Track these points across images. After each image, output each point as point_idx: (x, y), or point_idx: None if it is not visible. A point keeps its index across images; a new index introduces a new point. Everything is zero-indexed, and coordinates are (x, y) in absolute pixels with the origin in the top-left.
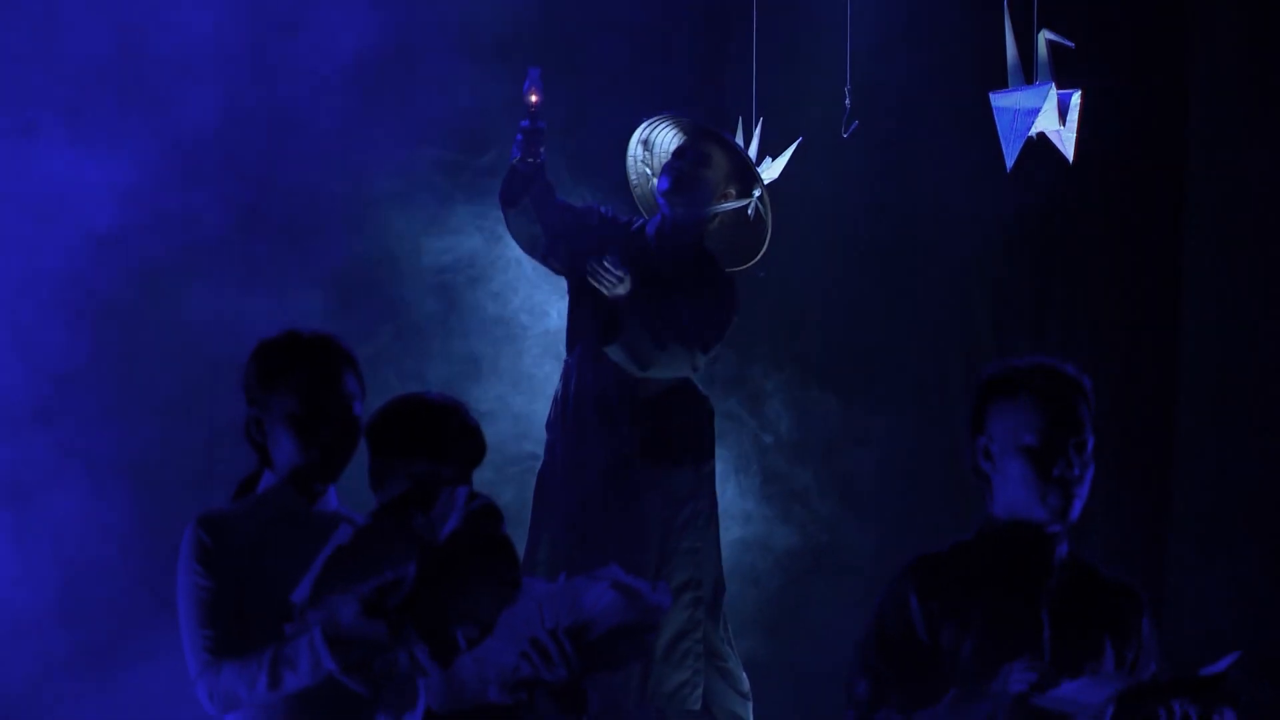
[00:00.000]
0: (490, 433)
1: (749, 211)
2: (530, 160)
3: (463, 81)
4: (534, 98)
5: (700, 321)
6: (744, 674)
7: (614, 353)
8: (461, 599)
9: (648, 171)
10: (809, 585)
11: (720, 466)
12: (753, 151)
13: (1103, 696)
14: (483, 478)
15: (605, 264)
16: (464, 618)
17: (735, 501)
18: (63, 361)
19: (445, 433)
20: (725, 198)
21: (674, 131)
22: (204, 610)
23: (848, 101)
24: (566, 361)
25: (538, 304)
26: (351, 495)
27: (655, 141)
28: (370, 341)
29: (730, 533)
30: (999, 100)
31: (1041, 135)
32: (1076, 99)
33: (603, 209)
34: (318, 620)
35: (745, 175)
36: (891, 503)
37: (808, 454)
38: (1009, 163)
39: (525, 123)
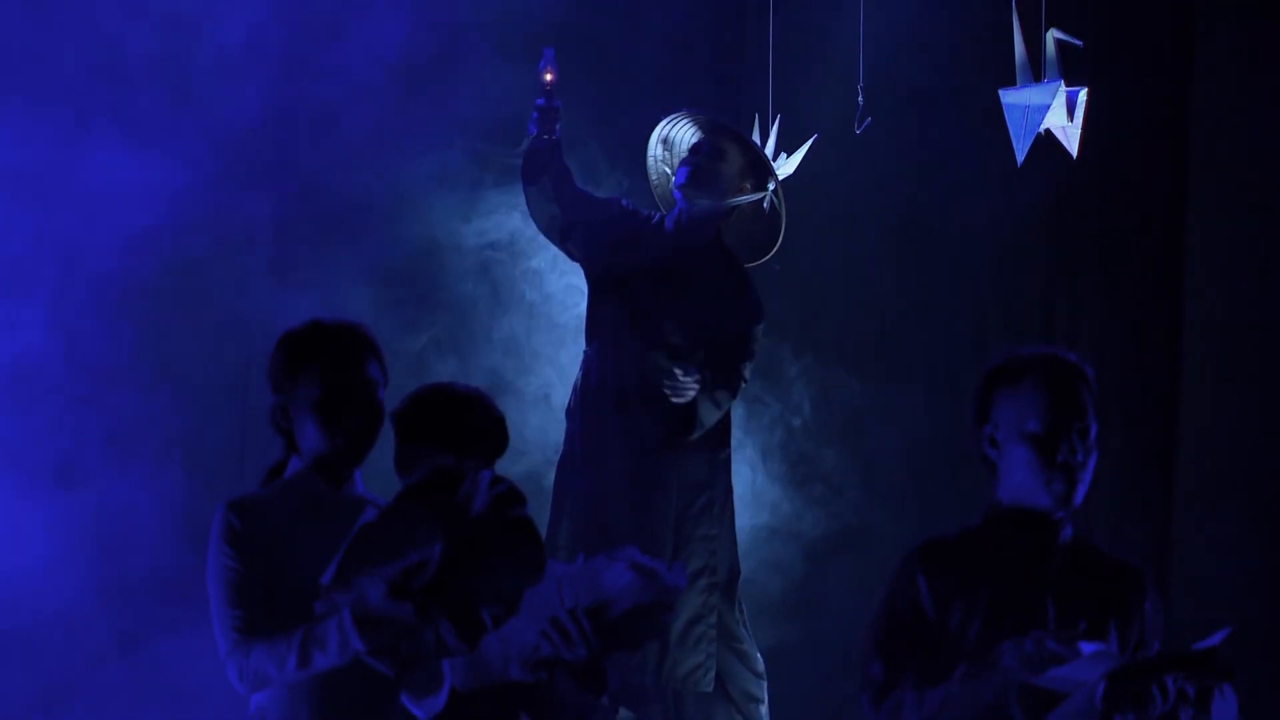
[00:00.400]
0: (538, 420)
1: (764, 205)
2: (545, 136)
3: (496, 80)
4: (549, 76)
5: (728, 317)
6: (759, 655)
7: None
8: (487, 579)
9: (666, 170)
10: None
11: (749, 450)
12: (770, 148)
13: (1097, 674)
14: (531, 463)
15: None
16: (489, 598)
17: (765, 484)
18: (107, 353)
19: (470, 424)
20: (741, 192)
21: (692, 129)
22: (233, 591)
23: (860, 99)
24: (586, 352)
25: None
26: (377, 480)
27: (674, 140)
28: (421, 332)
29: (759, 515)
30: (1008, 97)
31: (1048, 131)
32: (1083, 96)
33: (624, 201)
34: (346, 602)
35: (760, 170)
36: (914, 485)
37: (832, 434)
38: (1020, 157)
39: (541, 100)
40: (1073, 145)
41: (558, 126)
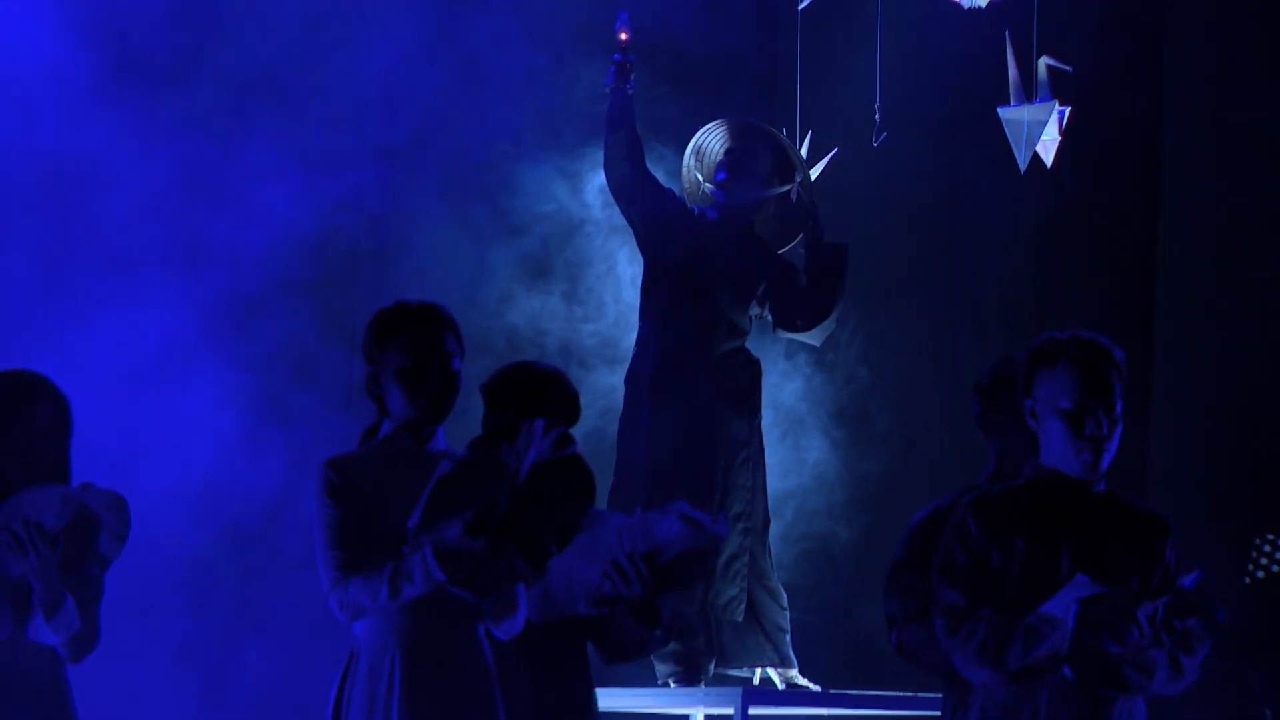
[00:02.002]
0: None
1: (791, 196)
2: (620, 87)
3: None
4: (623, 35)
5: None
6: (783, 590)
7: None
8: (547, 512)
9: (698, 177)
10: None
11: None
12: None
13: (1064, 612)
14: None
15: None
16: (551, 527)
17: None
18: (262, 344)
19: (550, 396)
20: (770, 187)
21: (723, 134)
22: (333, 535)
23: (878, 116)
24: (644, 328)
25: None
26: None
27: (706, 148)
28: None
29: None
30: (1007, 114)
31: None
32: (1065, 114)
33: (678, 193)
34: (428, 540)
35: (786, 170)
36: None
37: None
38: (1022, 166)
39: (617, 56)
40: (1050, 156)
41: (631, 79)
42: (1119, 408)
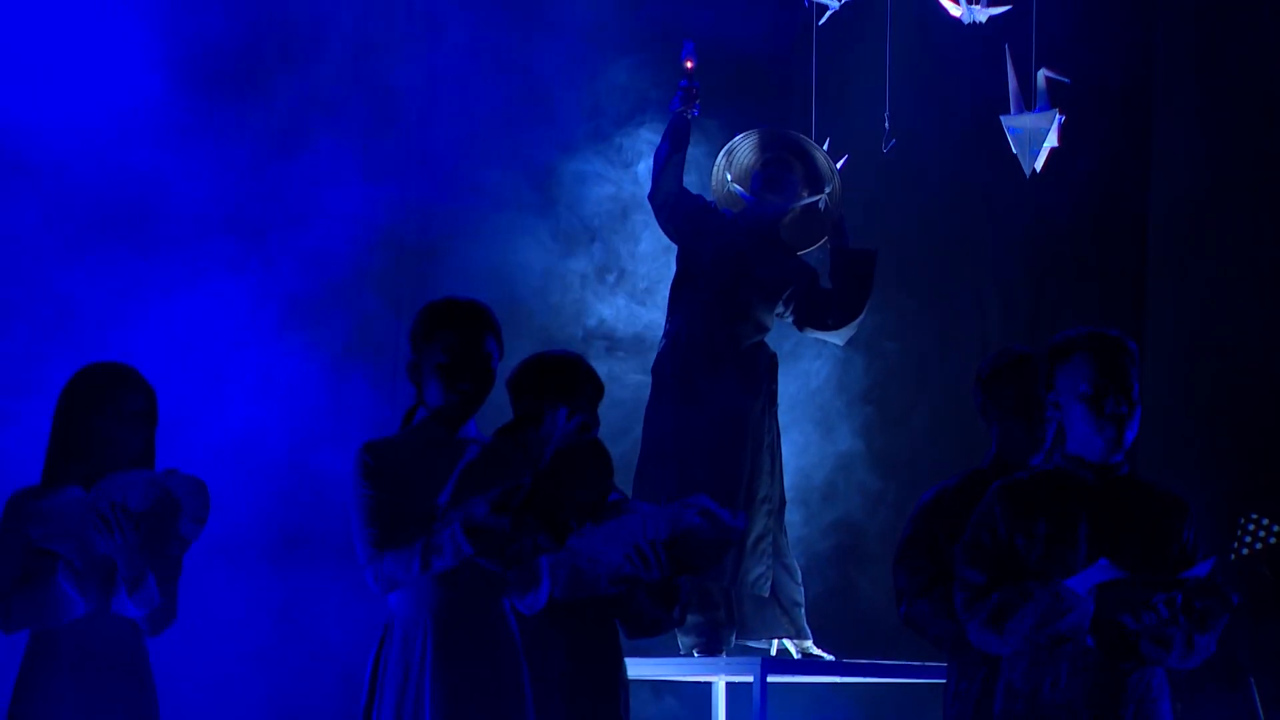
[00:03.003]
0: None
1: (820, 205)
2: (684, 110)
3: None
4: (689, 64)
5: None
6: (798, 567)
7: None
8: (569, 493)
9: (727, 177)
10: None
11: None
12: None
13: (1086, 590)
14: None
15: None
16: (572, 507)
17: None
18: (340, 334)
19: (571, 380)
20: (800, 197)
21: (757, 144)
22: (369, 514)
23: (887, 124)
24: (674, 321)
25: None
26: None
27: (738, 154)
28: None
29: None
30: (1009, 122)
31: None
32: (1061, 121)
33: (708, 198)
34: (457, 517)
35: (816, 181)
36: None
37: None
38: (1027, 170)
39: (684, 82)
40: (1040, 162)
41: (697, 104)
42: (1136, 390)
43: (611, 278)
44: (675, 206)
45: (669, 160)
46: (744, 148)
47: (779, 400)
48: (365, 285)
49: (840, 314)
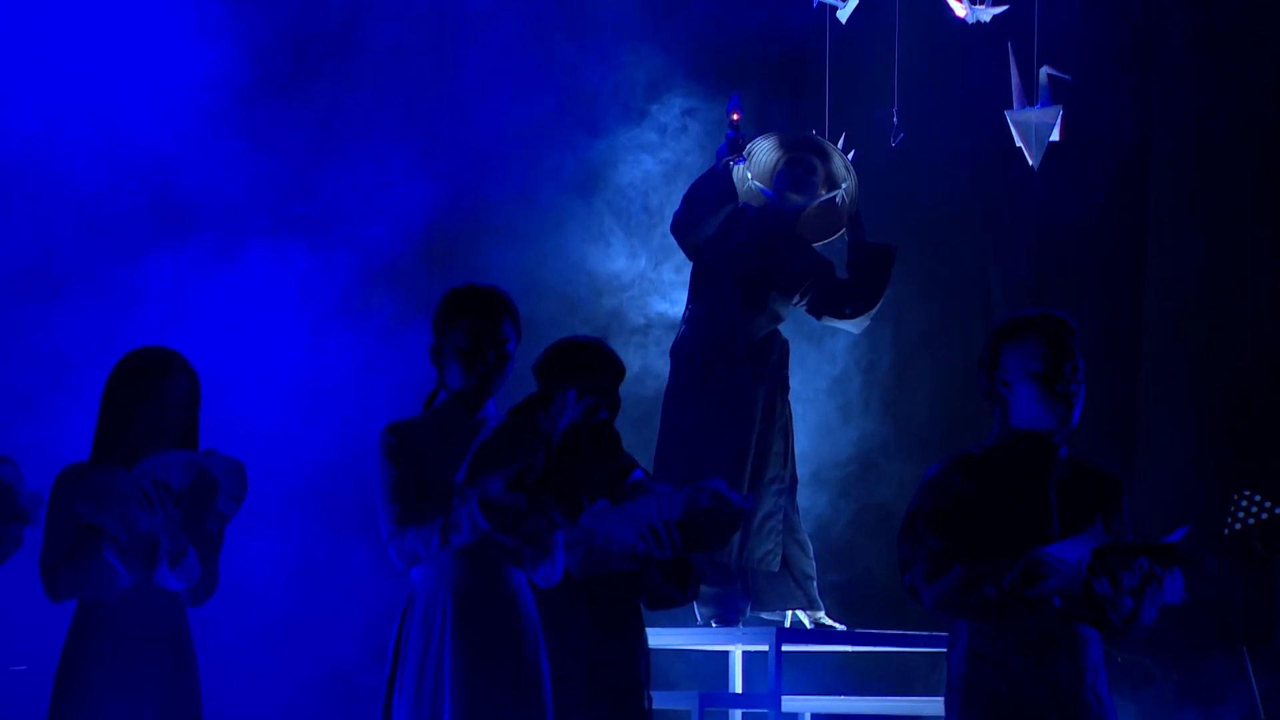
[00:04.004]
0: None
1: (837, 200)
2: (731, 159)
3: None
4: (735, 116)
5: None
6: (810, 542)
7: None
8: (580, 471)
9: (747, 175)
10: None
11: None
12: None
13: (1086, 550)
14: None
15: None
16: (584, 485)
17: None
18: (378, 319)
19: (594, 364)
20: (819, 193)
21: (776, 145)
22: (392, 491)
23: (895, 120)
24: (692, 309)
25: None
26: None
27: (757, 153)
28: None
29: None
30: (1014, 116)
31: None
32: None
33: (720, 165)
34: (474, 493)
35: (835, 178)
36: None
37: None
38: (1034, 163)
39: (731, 133)
40: (1037, 157)
41: (743, 154)
42: (1082, 368)
43: (669, 270)
44: (700, 246)
45: (711, 211)
46: (764, 148)
47: (794, 385)
48: (412, 273)
49: (857, 304)
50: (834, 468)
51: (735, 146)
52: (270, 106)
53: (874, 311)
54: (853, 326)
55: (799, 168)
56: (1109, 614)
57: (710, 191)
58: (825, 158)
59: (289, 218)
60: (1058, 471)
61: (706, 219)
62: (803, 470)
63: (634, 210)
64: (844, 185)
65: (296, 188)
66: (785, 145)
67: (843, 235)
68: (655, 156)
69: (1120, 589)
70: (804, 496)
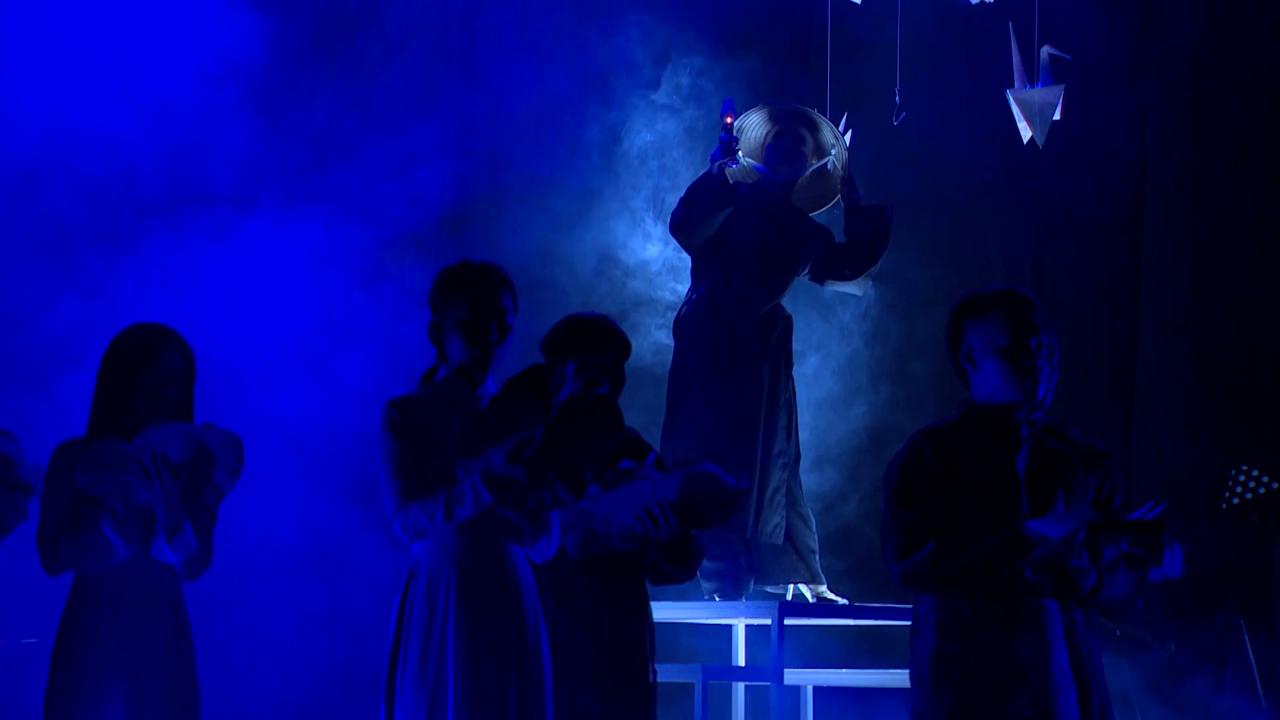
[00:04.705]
0: None
1: (828, 167)
2: (724, 162)
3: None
4: (729, 119)
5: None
6: (812, 516)
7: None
8: (581, 445)
9: (739, 151)
10: None
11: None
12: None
13: (1075, 525)
14: None
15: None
16: (586, 459)
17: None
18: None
19: (600, 339)
20: (810, 162)
21: (765, 119)
22: (396, 466)
23: (898, 99)
24: (697, 289)
25: None
26: None
27: (747, 130)
28: None
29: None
30: (1019, 95)
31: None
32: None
33: (715, 167)
34: (478, 467)
35: (825, 146)
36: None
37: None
38: (1040, 141)
39: (725, 136)
40: (1041, 136)
41: (737, 155)
42: (1046, 343)
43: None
44: (697, 246)
45: (709, 214)
46: (752, 122)
47: (813, 363)
48: (434, 249)
49: (857, 265)
50: (845, 440)
51: (729, 150)
52: (289, 83)
53: (875, 271)
54: (856, 288)
55: (788, 140)
56: (1078, 586)
57: (707, 196)
58: (814, 128)
59: (307, 194)
60: (1022, 444)
61: (704, 222)
62: (815, 449)
63: (660, 191)
64: (833, 152)
65: (315, 164)
66: (773, 118)
67: (838, 202)
68: (676, 119)
69: (1099, 564)
70: (818, 474)
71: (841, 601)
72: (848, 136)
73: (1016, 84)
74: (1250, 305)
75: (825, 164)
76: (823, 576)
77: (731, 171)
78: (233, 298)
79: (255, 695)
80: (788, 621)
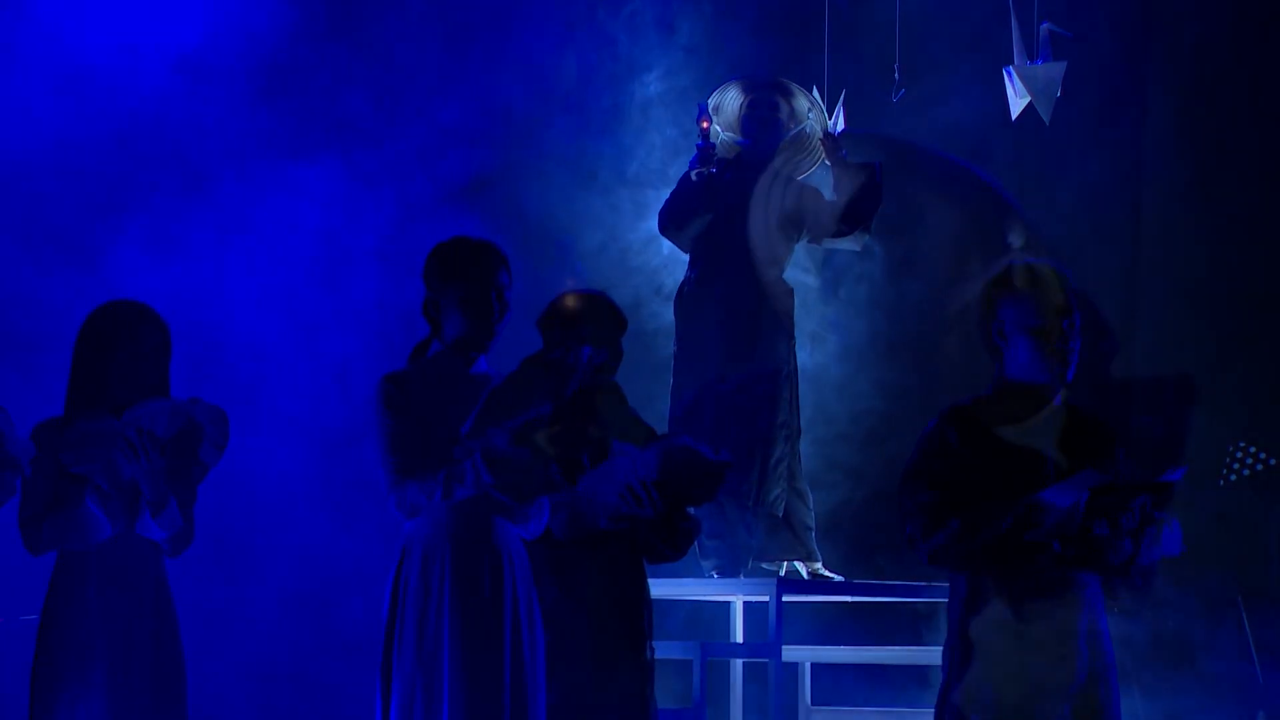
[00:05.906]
0: None
1: (806, 130)
2: (702, 170)
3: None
4: (705, 124)
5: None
6: (810, 492)
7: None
8: (586, 429)
9: (718, 130)
10: None
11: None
12: (837, 114)
13: (1072, 499)
14: None
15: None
16: (588, 444)
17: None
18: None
19: (596, 313)
20: (789, 128)
21: (739, 92)
22: (393, 441)
23: (897, 76)
24: (695, 270)
25: None
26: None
27: (724, 107)
28: None
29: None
30: (1023, 70)
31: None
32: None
33: (694, 175)
34: (479, 447)
35: (798, 113)
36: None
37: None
38: (1046, 117)
39: (700, 142)
40: (1047, 112)
41: (714, 162)
42: (1079, 323)
43: None
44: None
45: (694, 217)
46: (728, 97)
47: (831, 343)
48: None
49: (850, 220)
50: (858, 418)
51: (706, 157)
52: (299, 60)
53: (869, 225)
54: (853, 243)
55: (762, 109)
56: (1108, 556)
57: (689, 205)
58: (788, 94)
59: (325, 166)
60: (1052, 421)
61: (689, 224)
62: (831, 425)
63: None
64: (811, 115)
65: (335, 137)
66: (746, 89)
67: (824, 163)
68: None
69: (1119, 531)
70: (835, 450)
71: (837, 579)
72: (840, 119)
73: (1016, 60)
74: (1256, 278)
75: (804, 128)
76: (818, 554)
77: (717, 149)
78: (254, 270)
79: (241, 670)
80: (786, 598)
